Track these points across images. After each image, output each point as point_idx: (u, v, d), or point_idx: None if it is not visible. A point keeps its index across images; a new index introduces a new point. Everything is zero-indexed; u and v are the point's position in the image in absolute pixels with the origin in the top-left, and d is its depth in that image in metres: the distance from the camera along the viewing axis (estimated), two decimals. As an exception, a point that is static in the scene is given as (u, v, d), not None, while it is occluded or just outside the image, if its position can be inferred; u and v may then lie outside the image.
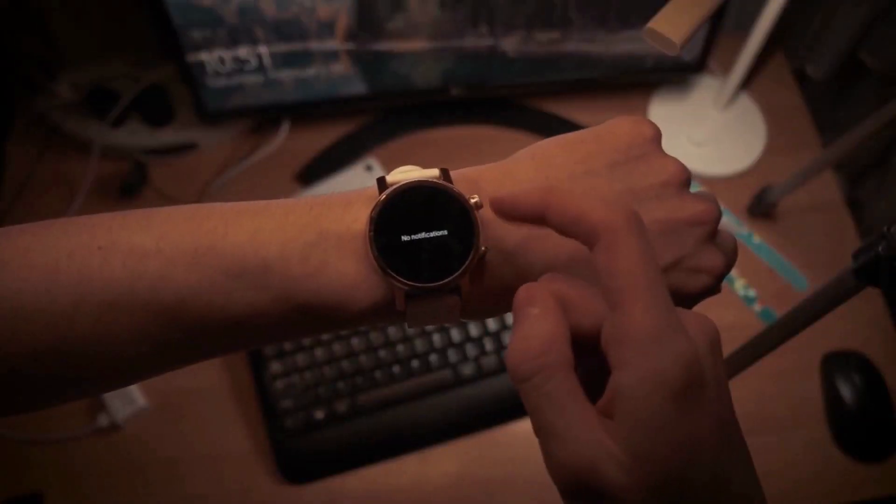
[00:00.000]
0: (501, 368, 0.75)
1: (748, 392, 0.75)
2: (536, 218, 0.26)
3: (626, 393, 0.22)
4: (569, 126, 0.91)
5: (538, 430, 0.23)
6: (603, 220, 0.23)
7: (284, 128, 0.90)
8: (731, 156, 0.90)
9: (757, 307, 0.81)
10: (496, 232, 0.29)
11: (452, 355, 0.75)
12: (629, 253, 0.23)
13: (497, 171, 0.30)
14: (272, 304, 0.28)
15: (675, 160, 0.30)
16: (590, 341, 0.24)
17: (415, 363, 0.74)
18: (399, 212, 0.28)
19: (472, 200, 0.28)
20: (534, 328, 0.24)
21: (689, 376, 0.22)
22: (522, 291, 0.25)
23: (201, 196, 0.86)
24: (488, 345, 0.75)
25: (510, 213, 0.27)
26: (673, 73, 0.92)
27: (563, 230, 0.25)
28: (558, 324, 0.24)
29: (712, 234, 0.30)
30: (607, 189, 0.29)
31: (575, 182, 0.29)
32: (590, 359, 0.24)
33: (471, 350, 0.75)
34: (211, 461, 0.72)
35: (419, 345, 0.75)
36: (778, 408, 0.76)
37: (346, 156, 0.89)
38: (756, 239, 0.85)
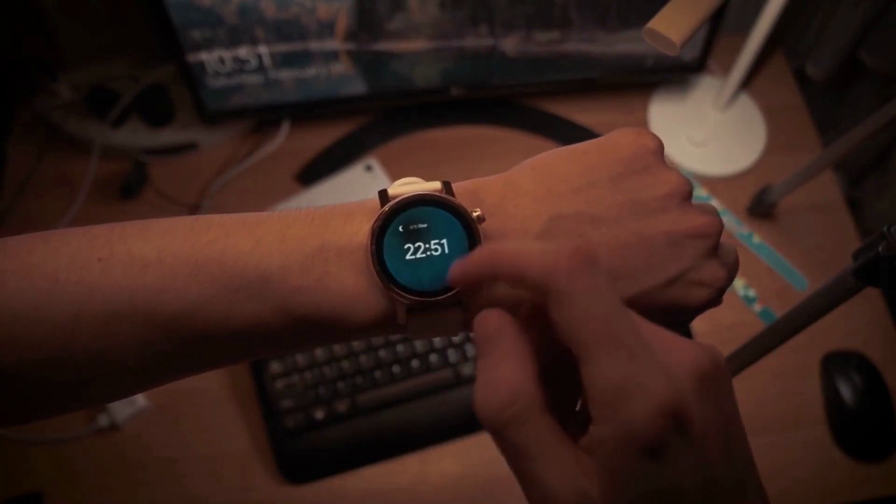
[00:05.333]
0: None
1: (748, 392, 0.75)
2: (492, 280, 0.25)
3: (598, 447, 0.22)
4: (568, 126, 0.91)
5: (514, 474, 0.23)
6: (543, 274, 0.22)
7: (284, 128, 0.90)
8: (731, 156, 0.90)
9: (757, 307, 0.81)
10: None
11: (452, 355, 0.75)
12: (578, 303, 0.22)
13: (498, 184, 0.30)
14: (272, 316, 0.28)
15: (678, 173, 0.30)
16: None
17: (415, 363, 0.74)
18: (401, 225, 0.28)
19: (475, 214, 0.28)
20: (495, 375, 0.23)
21: (663, 426, 0.21)
22: (477, 326, 0.24)
23: (201, 196, 0.86)
24: (488, 345, 0.75)
25: (464, 283, 0.26)
26: (673, 73, 0.92)
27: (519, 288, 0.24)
28: (521, 364, 0.23)
29: (714, 246, 0.30)
30: (610, 201, 0.29)
31: (577, 194, 0.29)
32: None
33: (471, 350, 0.75)
34: (211, 461, 0.72)
35: (419, 345, 0.75)
36: (778, 408, 0.76)
37: (346, 156, 0.89)
38: (756, 239, 0.85)
